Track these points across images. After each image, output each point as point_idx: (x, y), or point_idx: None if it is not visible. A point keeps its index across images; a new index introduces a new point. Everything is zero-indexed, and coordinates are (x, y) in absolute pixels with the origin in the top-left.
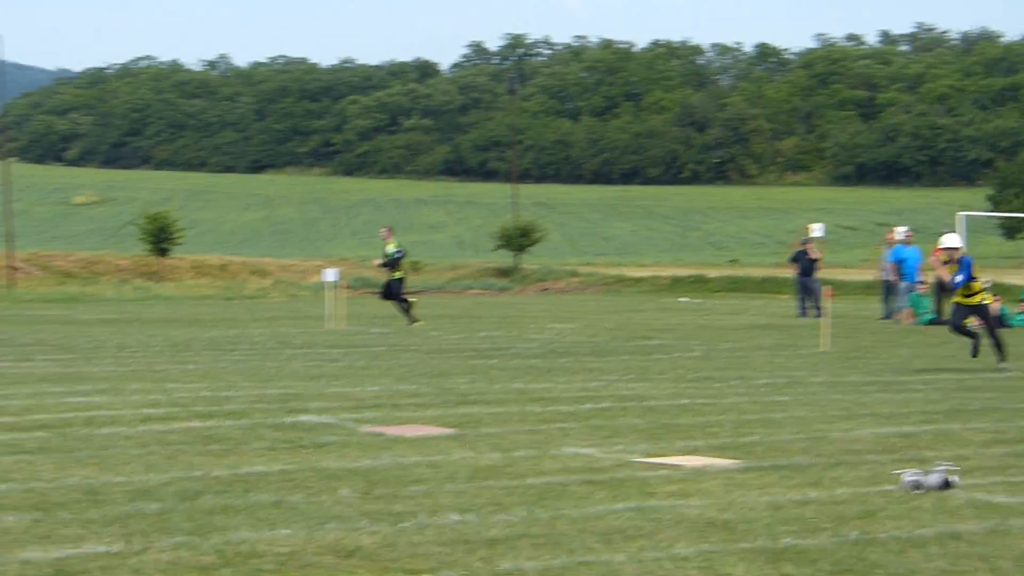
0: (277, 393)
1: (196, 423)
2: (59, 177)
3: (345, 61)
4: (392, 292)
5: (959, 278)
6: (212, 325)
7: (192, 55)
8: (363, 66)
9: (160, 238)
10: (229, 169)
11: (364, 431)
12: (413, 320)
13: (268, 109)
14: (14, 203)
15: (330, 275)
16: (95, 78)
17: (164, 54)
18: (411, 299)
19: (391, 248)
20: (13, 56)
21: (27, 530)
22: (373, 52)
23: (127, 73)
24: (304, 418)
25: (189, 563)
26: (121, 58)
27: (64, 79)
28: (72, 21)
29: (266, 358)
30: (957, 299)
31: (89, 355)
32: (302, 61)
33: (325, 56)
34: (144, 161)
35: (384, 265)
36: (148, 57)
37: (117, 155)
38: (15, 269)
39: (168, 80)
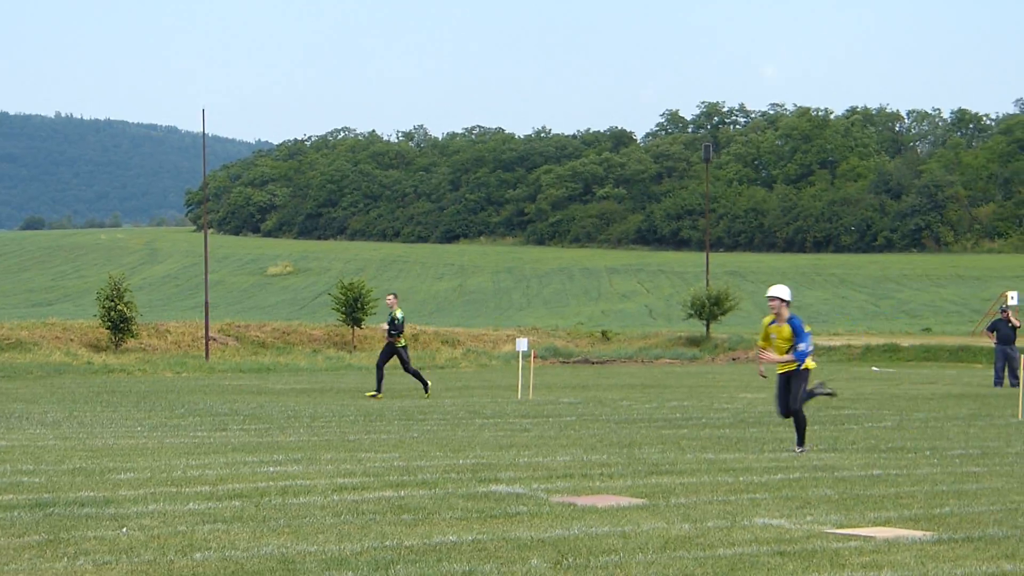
0: (469, 463)
1: (389, 492)
2: (255, 248)
3: (540, 131)
4: (404, 360)
5: (802, 346)
6: (404, 395)
7: (389, 126)
8: (558, 136)
9: (353, 308)
10: (422, 239)
11: (555, 501)
12: (427, 390)
13: (463, 179)
14: (211, 273)
15: (522, 344)
16: (293, 150)
17: (362, 125)
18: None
19: (400, 314)
20: (214, 129)
21: None
22: (568, 122)
23: (324, 144)
24: (495, 488)
25: None
26: (319, 130)
27: (263, 151)
28: (272, 94)
29: (457, 428)
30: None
31: (283, 425)
32: (498, 131)
33: (520, 126)
34: (339, 231)
35: (393, 332)
36: (346, 128)
37: (313, 225)
38: (211, 339)
39: (365, 151)
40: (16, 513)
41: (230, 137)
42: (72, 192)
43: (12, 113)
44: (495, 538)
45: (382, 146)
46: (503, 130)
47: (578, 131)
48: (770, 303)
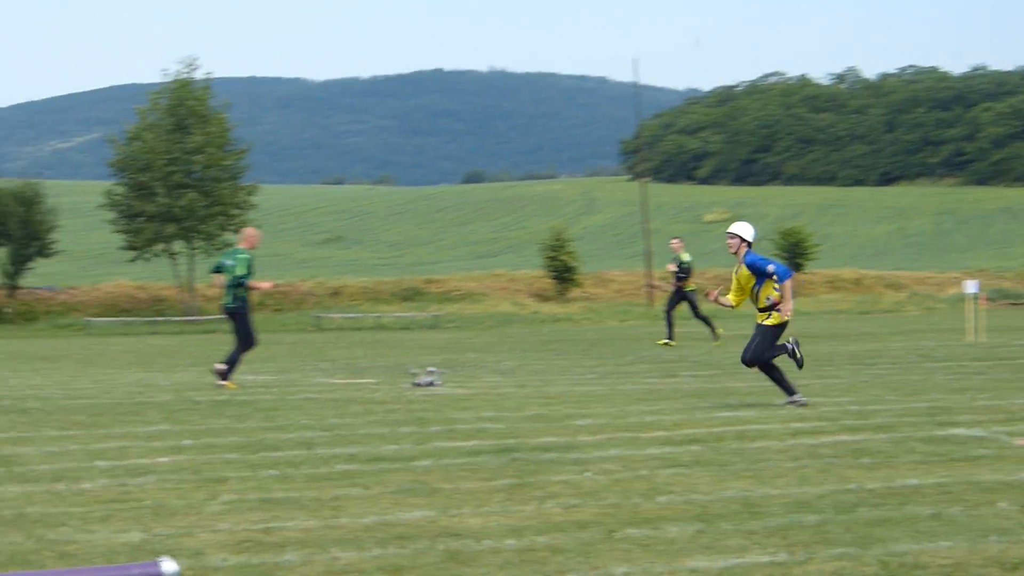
0: (924, 406)
1: (845, 436)
2: (690, 195)
3: (977, 68)
4: (694, 305)
5: (771, 268)
6: (850, 339)
7: (820, 69)
8: (996, 72)
9: (794, 253)
10: (859, 182)
11: (1018, 444)
12: (716, 336)
13: (898, 120)
14: (649, 222)
15: (971, 287)
16: (724, 96)
17: (792, 69)
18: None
19: (687, 257)
20: (646, 79)
21: (691, 540)
22: (1006, 57)
23: (756, 90)
24: (954, 431)
25: (852, 573)
26: (749, 75)
27: (694, 99)
28: (713, 41)
29: (908, 372)
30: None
31: (732, 371)
32: (932, 70)
33: (956, 64)
34: (774, 177)
35: (681, 275)
36: (776, 73)
37: (747, 172)
38: (653, 287)
39: (796, 95)
40: (483, 458)
41: (660, 86)
42: (509, 145)
43: (447, 69)
44: (959, 481)
45: (813, 89)
46: (937, 69)
47: (1017, 66)
48: (728, 240)
